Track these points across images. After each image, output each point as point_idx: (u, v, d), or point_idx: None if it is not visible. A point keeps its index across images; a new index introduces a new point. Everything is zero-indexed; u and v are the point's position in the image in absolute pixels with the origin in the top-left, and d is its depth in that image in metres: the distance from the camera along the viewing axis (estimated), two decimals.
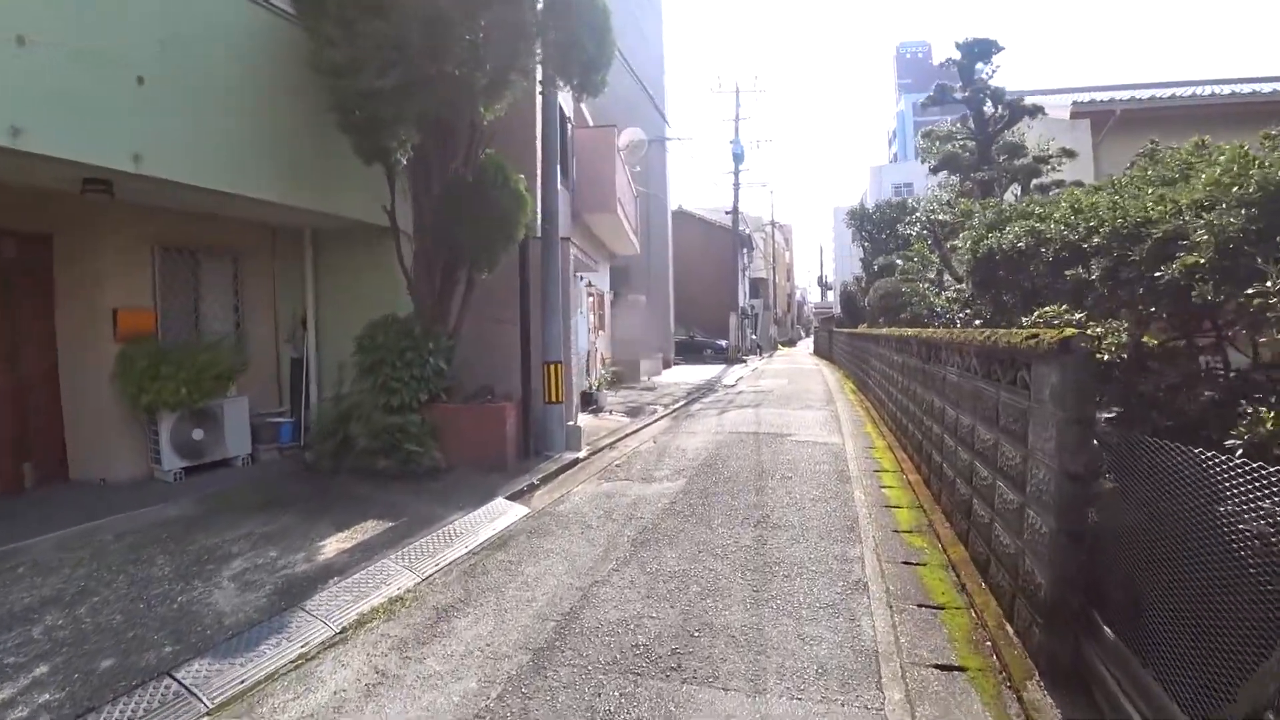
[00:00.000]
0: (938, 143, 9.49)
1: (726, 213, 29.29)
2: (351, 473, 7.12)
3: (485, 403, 7.39)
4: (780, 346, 48.99)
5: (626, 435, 9.59)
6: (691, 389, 16.04)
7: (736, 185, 28.09)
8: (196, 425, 7.01)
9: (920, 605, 3.79)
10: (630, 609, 3.83)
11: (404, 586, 4.34)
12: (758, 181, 61.04)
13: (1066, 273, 3.21)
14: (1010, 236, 4.02)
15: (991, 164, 8.65)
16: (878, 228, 21.67)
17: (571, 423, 8.44)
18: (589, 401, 12.28)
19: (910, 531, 5.00)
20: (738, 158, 27.83)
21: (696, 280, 30.11)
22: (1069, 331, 2.65)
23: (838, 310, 38.43)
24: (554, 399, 8.04)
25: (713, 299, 29.99)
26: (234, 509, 5.93)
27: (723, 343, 28.51)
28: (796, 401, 13.08)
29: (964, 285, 6.15)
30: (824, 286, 70.97)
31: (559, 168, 9.19)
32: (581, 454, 8.04)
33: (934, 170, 9.57)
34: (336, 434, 7.24)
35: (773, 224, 47.59)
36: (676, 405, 12.87)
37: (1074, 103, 11.08)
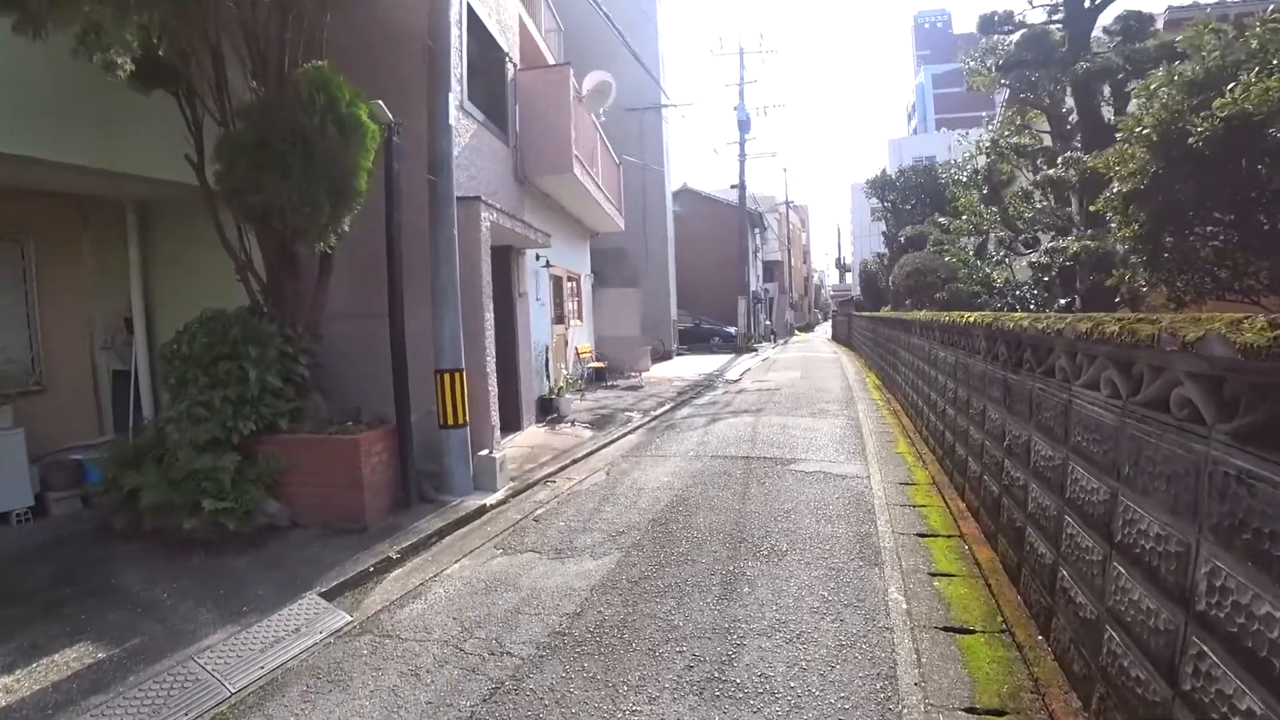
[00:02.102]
0: (1007, 33, 6.44)
1: (733, 187, 26.56)
2: (149, 537, 4.95)
3: (332, 434, 5.05)
4: (797, 332, 46.23)
5: (577, 460, 7.22)
6: (685, 387, 13.60)
7: (742, 156, 25.25)
8: None
9: None
10: None
11: None
12: (766, 152, 56.79)
13: None
14: None
15: (1089, 56, 5.84)
16: (902, 196, 18.99)
17: (486, 451, 6.08)
18: (548, 410, 9.93)
19: (1004, 713, 2.56)
20: (743, 125, 24.97)
21: (703, 263, 27.52)
22: None
23: (857, 292, 35.63)
24: (454, 421, 5.69)
25: (721, 283, 27.40)
26: None
27: (731, 330, 25.84)
28: (808, 405, 10.59)
29: (1060, 239, 3.71)
30: (842, 269, 67.91)
31: (461, 104, 6.86)
32: (495, 497, 5.70)
33: (1003, 69, 6.66)
34: (121, 484, 5.00)
35: (786, 202, 44.63)
36: (659, 411, 10.46)
37: (1169, 7, 8.38)
